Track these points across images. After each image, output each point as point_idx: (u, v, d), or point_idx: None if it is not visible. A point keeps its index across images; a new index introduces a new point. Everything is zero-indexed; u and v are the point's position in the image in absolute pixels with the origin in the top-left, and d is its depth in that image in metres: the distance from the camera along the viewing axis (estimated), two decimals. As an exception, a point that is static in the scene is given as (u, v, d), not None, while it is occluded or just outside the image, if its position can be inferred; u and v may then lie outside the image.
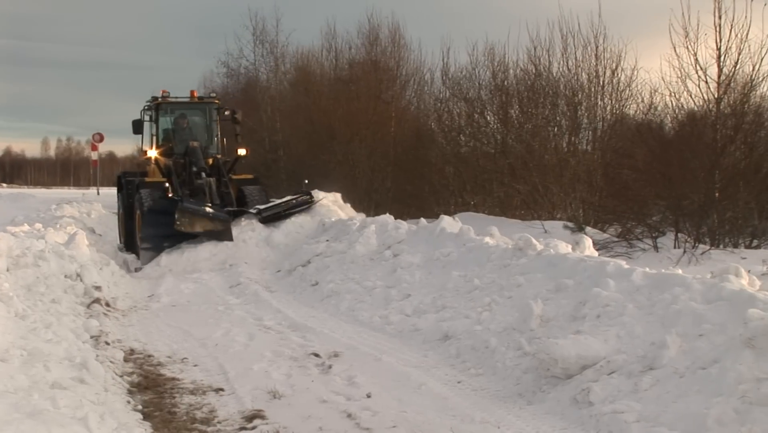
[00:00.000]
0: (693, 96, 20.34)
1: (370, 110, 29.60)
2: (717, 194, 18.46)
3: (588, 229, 18.76)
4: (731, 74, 19.78)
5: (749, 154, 19.48)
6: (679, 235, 17.41)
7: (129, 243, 20.08)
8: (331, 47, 35.60)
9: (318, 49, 36.32)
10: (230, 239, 17.28)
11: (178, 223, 16.62)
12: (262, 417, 6.96)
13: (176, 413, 7.19)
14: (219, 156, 20.14)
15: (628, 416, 6.23)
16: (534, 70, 25.90)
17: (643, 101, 24.29)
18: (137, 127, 20.82)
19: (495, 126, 27.45)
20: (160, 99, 20.67)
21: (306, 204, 18.72)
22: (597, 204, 22.31)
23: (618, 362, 7.08)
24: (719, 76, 19.88)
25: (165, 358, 9.28)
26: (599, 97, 24.62)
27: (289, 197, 19.11)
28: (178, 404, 7.43)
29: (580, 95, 24.85)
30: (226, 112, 21.06)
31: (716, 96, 19.86)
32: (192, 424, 6.87)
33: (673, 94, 21.00)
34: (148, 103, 20.91)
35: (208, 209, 17.15)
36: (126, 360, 9.01)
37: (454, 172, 28.04)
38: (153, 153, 20.00)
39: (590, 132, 24.99)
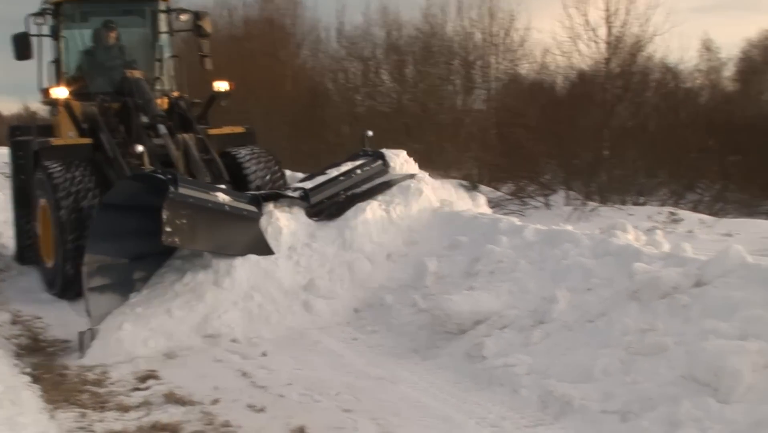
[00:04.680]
0: (583, 56, 20.73)
1: (266, 69, 29.29)
2: (606, 153, 18.92)
3: (482, 187, 19.03)
4: (620, 35, 20.21)
5: (637, 113, 20.01)
6: (570, 192, 17.81)
7: (27, 254, 12.16)
8: (224, 4, 35.04)
9: (210, 6, 35.67)
10: (268, 250, 8.92)
11: (169, 230, 8.01)
12: (156, 377, 6.92)
13: (66, 375, 7.08)
14: (177, 94, 11.82)
15: (519, 369, 6.39)
16: (428, 29, 25.99)
17: (535, 61, 24.67)
18: (22, 45, 11.59)
19: (390, 85, 27.50)
20: None
21: (395, 179, 10.18)
22: (491, 163, 22.62)
23: (510, 316, 7.23)
24: (608, 37, 20.32)
25: (54, 320, 9.10)
26: (493, 56, 24.89)
27: (348, 164, 10.27)
28: (69, 366, 7.31)
29: (474, 55, 25.06)
30: (182, 17, 12.35)
31: (605, 56, 20.27)
32: (83, 386, 6.79)
33: (564, 54, 21.37)
34: (45, 5, 11.82)
35: (222, 196, 8.81)
36: (14, 322, 8.82)
37: (351, 132, 28.03)
38: (62, 92, 11.01)
39: (484, 91, 25.28)
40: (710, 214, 18.46)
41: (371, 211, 9.47)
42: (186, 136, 10.52)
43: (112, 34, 11.98)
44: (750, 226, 15.53)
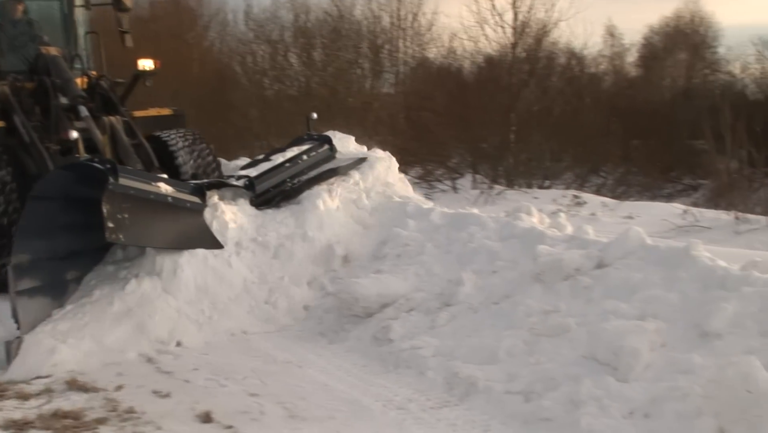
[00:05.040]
0: (490, 41, 20.93)
1: (172, 51, 28.81)
2: (512, 137, 19.17)
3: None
4: (526, 20, 20.45)
5: (542, 97, 20.30)
6: (477, 176, 18.00)
7: None
8: (129, -16, 34.29)
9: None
10: (216, 244, 8.13)
11: (111, 226, 7.15)
12: (59, 365, 6.76)
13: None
14: (95, 73, 10.77)
15: (426, 351, 6.43)
16: (337, 13, 25.92)
17: (443, 45, 24.81)
18: None
19: (298, 69, 27.34)
20: None
21: (343, 165, 9.66)
22: (399, 147, 22.70)
23: (417, 299, 7.28)
24: (515, 22, 20.55)
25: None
26: (401, 40, 24.95)
27: (294, 150, 9.86)
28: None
29: (382, 38, 25.09)
30: None
31: (512, 41, 20.50)
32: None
33: (471, 39, 21.55)
34: None
35: (165, 187, 7.97)
36: None
37: (259, 115, 27.80)
38: None
39: (393, 75, 25.35)
40: (613, 197, 18.89)
41: (322, 199, 8.91)
42: (112, 119, 9.53)
43: (19, 7, 10.83)
44: (650, 208, 15.92)
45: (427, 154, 19.71)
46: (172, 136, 10.43)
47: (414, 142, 21.48)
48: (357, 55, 25.64)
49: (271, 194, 9.02)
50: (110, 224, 7.07)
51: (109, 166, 7.31)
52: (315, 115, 10.67)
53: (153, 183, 7.83)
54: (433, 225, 8.42)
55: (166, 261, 7.74)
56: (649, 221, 13.72)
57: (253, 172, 9.22)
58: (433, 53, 25.50)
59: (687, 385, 4.84)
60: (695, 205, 16.93)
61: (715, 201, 17.90)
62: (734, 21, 52.87)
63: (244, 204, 8.72)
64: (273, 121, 27.19)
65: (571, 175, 22.89)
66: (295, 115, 26.10)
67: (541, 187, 19.08)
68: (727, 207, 14.54)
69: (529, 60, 20.28)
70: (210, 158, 10.59)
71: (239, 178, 9.10)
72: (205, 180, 9.22)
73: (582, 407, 5.10)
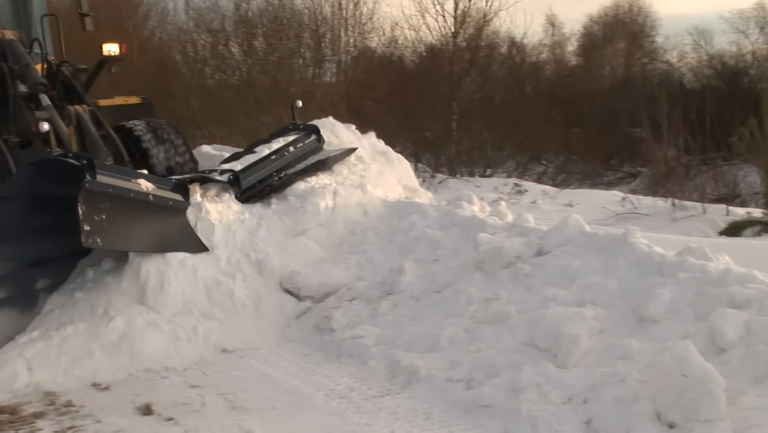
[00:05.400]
0: (431, 30, 20.98)
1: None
2: (454, 126, 19.25)
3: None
4: (466, 9, 20.53)
5: (483, 86, 20.41)
6: (419, 165, 18.05)
7: None
8: (66, -28, 33.82)
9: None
10: (201, 247, 7.41)
11: (88, 229, 6.31)
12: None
13: None
14: (53, 59, 9.73)
15: (368, 340, 6.43)
16: (278, 2, 25.77)
17: (384, 35, 24.81)
18: None
19: (240, 58, 27.15)
20: None
21: (332, 156, 9.23)
22: (341, 136, 22.70)
23: (359, 288, 7.28)
24: (456, 11, 20.61)
25: None
26: (342, 29, 24.89)
27: (280, 141, 9.05)
28: None
29: (323, 28, 25.01)
30: None
31: (453, 30, 20.57)
32: None
33: (412, 28, 21.58)
34: None
35: (145, 183, 7.21)
36: None
37: (200, 105, 27.56)
38: None
39: (335, 64, 25.28)
40: (553, 185, 19.09)
41: (321, 197, 8.26)
42: (78, 108, 8.75)
43: None
44: (590, 196, 16.13)
45: (369, 144, 19.69)
46: (143, 126, 9.66)
47: (356, 132, 21.46)
48: (299, 44, 25.52)
49: (257, 189, 8.34)
50: (87, 227, 6.23)
51: (85, 161, 6.51)
52: (300, 103, 10.04)
53: (133, 180, 7.06)
54: (374, 214, 8.41)
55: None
56: (589, 208, 13.89)
57: (237, 165, 8.44)
58: (374, 42, 25.51)
59: (625, 370, 4.90)
60: (634, 192, 17.17)
61: (653, 188, 18.18)
62: (671, 11, 53.67)
63: (230, 201, 8.05)
64: (214, 111, 26.98)
65: (513, 163, 23.08)
66: (236, 105, 25.99)
67: (482, 175, 19.19)
68: (665, 194, 14.76)
69: (470, 49, 20.36)
70: (184, 150, 9.90)
71: (222, 172, 8.32)
72: (187, 175, 8.47)
73: (522, 393, 5.13)
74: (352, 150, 9.44)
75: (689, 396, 4.39)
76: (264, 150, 8.80)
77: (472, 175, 18.72)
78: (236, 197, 8.12)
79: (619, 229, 6.91)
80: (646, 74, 33.19)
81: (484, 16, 20.94)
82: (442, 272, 7.01)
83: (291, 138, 9.11)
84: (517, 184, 17.08)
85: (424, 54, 21.98)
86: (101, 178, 6.53)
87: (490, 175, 19.25)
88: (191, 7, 28.64)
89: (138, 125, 9.67)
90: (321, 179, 8.72)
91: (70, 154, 6.79)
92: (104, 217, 6.45)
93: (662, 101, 16.73)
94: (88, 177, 6.35)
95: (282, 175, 8.58)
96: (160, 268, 6.94)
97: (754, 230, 10.83)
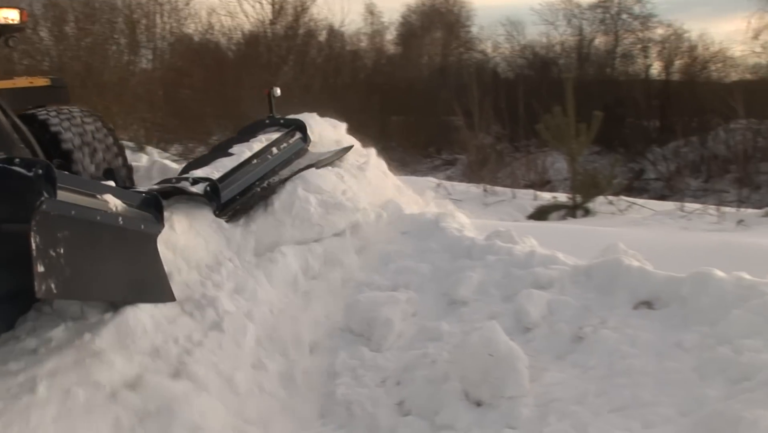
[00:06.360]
0: (249, 17, 20.84)
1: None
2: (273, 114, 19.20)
3: (150, 149, 18.66)
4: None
5: (301, 74, 20.44)
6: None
7: None
8: None
9: None
10: (168, 294, 5.30)
11: (42, 271, 4.05)
12: None
13: None
14: None
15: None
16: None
17: (201, 21, 24.48)
18: None
19: (50, 43, 26.14)
20: None
21: (323, 159, 7.42)
22: (158, 123, 22.24)
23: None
24: (273, -1, 20.54)
25: None
26: (158, 15, 24.37)
27: (261, 140, 7.36)
28: None
29: (138, 13, 24.42)
30: None
31: (270, 17, 20.50)
32: None
33: (229, 15, 21.37)
34: None
35: (112, 199, 4.96)
36: None
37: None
38: None
39: (150, 51, 24.73)
40: (372, 172, 19.24)
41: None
42: None
43: None
44: (407, 182, 16.34)
45: (186, 132, 19.39)
46: (60, 118, 7.37)
47: (173, 119, 21.08)
48: (112, 29, 24.80)
49: (237, 204, 6.43)
50: (41, 268, 4.07)
51: (40, 171, 4.29)
52: (278, 91, 8.23)
53: (98, 195, 4.92)
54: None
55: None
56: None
57: (213, 172, 6.54)
58: (191, 29, 25.11)
59: (435, 352, 5.02)
60: (450, 179, 17.54)
61: (468, 175, 18.66)
62: (485, 2, 55.15)
63: (205, 220, 6.12)
64: (22, 98, 25.90)
65: (333, 151, 23.14)
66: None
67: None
68: (478, 180, 15.16)
69: (287, 37, 20.35)
70: (117, 151, 7.79)
71: (195, 181, 6.33)
72: (153, 186, 6.32)
73: (338, 377, 5.18)
74: (347, 149, 7.92)
75: (495, 374, 4.53)
76: (244, 152, 6.98)
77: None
78: (215, 214, 6.22)
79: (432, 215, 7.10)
80: (462, 63, 34.03)
81: (302, 3, 21.00)
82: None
83: (274, 136, 7.40)
84: (337, 172, 17.13)
85: (241, 41, 21.85)
86: (62, 195, 4.39)
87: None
88: (-4, -10, 27.33)
89: (53, 115, 7.33)
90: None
91: (17, 160, 4.41)
92: (61, 251, 4.32)
93: (473, 90, 17.18)
94: (44, 194, 4.25)
95: (265, 184, 6.73)
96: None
97: (560, 213, 11.31)
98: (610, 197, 11.67)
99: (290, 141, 7.46)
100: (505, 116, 18.03)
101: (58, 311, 5.12)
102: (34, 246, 4.07)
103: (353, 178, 7.30)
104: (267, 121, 7.77)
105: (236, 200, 6.40)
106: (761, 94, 22.61)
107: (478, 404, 4.55)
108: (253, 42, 20.91)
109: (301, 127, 7.70)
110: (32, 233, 4.07)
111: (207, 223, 6.10)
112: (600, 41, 32.22)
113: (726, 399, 3.90)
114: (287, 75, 19.86)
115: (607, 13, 31.52)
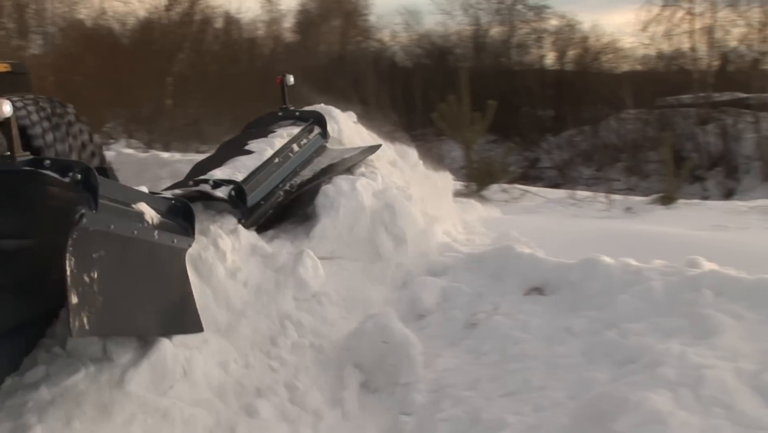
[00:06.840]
0: (143, 2, 20.51)
1: None
2: (169, 101, 18.93)
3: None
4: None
5: (197, 62, 20.20)
6: (132, 141, 17.65)
7: None
8: None
9: None
10: (196, 324, 4.42)
11: (76, 303, 3.32)
12: None
13: None
14: None
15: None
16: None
17: (93, 6, 23.98)
18: None
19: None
20: None
21: (347, 158, 6.68)
22: (49, 111, 21.74)
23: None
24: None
25: None
26: (48, 0, 23.81)
27: (281, 136, 6.46)
28: None
29: (26, -3, 23.82)
30: None
31: (166, 3, 20.22)
32: None
33: (123, 1, 20.99)
34: None
35: (147, 210, 4.08)
36: None
37: None
38: None
39: (41, 36, 24.13)
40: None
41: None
42: None
43: None
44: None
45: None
46: (24, 106, 6.25)
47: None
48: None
49: (262, 209, 5.73)
50: (75, 299, 3.34)
51: (79, 175, 3.52)
52: (291, 79, 7.24)
53: (134, 205, 4.05)
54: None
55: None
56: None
57: (235, 173, 5.69)
58: (83, 14, 24.56)
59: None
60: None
61: (366, 164, 18.72)
62: (383, -10, 55.28)
63: (234, 231, 5.35)
64: None
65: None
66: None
67: (198, 151, 18.99)
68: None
69: (183, 23, 20.06)
70: (93, 149, 6.96)
71: (216, 184, 5.49)
72: (177, 189, 5.38)
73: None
74: (375, 148, 7.10)
75: (390, 361, 4.58)
76: (265, 150, 6.12)
77: (187, 150, 18.50)
78: (239, 222, 5.44)
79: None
80: (360, 52, 34.03)
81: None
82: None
83: (295, 131, 6.59)
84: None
85: (135, 27, 21.44)
86: (103, 207, 3.60)
87: (205, 151, 19.08)
88: None
89: (19, 107, 6.12)
90: None
91: (48, 162, 3.63)
92: (95, 276, 3.52)
93: (368, 79, 17.22)
94: (83, 209, 3.44)
95: (287, 187, 6.03)
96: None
97: (455, 201, 11.41)
98: (504, 185, 11.82)
99: (310, 137, 6.64)
100: (402, 105, 18.09)
101: (71, 351, 4.11)
102: (68, 272, 3.31)
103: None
104: (280, 114, 7.01)
105: (261, 206, 5.70)
106: (650, 84, 23.18)
107: (374, 391, 4.59)
108: (147, 28, 20.56)
109: (320, 120, 6.86)
110: (67, 255, 3.31)
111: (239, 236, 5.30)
112: (496, 31, 32.59)
113: (612, 382, 4.01)
114: (183, 62, 19.60)
115: (502, 4, 31.88)
